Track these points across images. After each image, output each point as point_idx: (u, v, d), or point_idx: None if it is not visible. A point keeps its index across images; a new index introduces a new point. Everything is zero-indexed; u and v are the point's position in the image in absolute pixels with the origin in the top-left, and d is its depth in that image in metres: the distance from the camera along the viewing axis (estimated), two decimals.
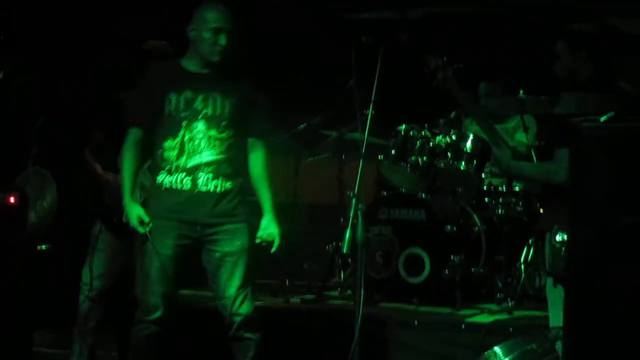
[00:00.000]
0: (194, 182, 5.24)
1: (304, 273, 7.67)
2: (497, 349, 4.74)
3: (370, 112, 5.01)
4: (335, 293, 7.37)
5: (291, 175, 7.73)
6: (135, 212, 5.25)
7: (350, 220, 4.81)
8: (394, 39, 5.04)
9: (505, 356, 4.69)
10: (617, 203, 3.57)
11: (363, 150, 4.98)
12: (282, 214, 7.71)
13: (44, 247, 7.33)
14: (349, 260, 7.11)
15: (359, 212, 4.83)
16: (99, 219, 6.00)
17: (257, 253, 5.51)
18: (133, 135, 5.35)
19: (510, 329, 6.05)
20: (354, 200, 4.84)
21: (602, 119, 3.75)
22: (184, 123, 5.23)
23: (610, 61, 5.02)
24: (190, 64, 5.32)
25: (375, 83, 4.90)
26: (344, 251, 4.85)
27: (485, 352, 4.81)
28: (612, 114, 3.74)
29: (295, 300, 7.16)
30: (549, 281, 5.02)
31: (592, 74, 4.92)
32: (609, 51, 5.04)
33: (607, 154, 3.62)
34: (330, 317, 6.54)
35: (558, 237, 4.66)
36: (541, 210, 6.80)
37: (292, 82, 8.48)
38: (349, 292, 7.14)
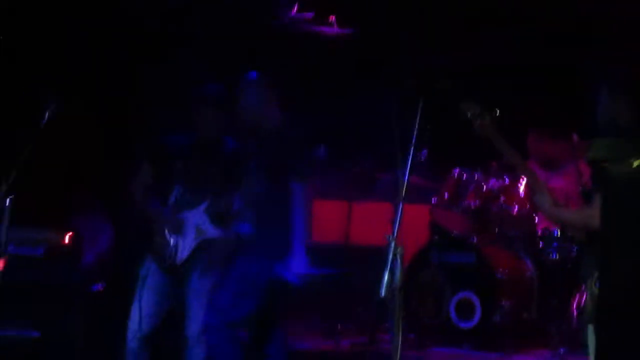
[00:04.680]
0: None
1: (356, 317, 7.67)
2: None
3: (410, 155, 4.99)
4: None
5: (344, 216, 7.76)
6: None
7: (389, 263, 4.77)
8: (436, 86, 5.04)
9: None
10: None
11: (403, 193, 4.94)
12: (334, 257, 7.83)
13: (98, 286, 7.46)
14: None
15: (397, 255, 4.80)
16: (148, 259, 6.01)
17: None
18: None
19: None
20: (392, 243, 4.81)
21: (635, 164, 3.72)
22: None
23: None
24: None
25: (416, 128, 4.87)
26: (382, 295, 4.80)
27: None
28: None
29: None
30: (590, 328, 4.95)
31: (632, 118, 4.86)
32: None
33: (635, 199, 3.61)
34: None
35: (597, 284, 4.59)
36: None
37: (350, 124, 8.59)
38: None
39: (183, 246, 5.86)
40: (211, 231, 5.86)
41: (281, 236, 5.52)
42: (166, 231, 5.87)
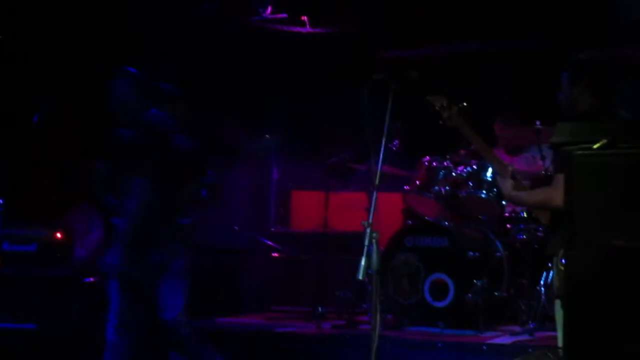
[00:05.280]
0: None
1: (336, 300, 7.94)
2: None
3: (382, 145, 5.22)
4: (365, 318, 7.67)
5: (322, 206, 8.00)
6: None
7: (365, 248, 5.04)
8: (404, 76, 5.29)
9: None
10: (608, 226, 3.74)
11: (377, 181, 5.20)
12: (313, 243, 8.09)
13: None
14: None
15: (373, 241, 5.08)
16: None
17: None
18: None
19: (530, 349, 6.28)
20: (368, 229, 5.09)
21: (595, 146, 3.96)
22: None
23: (611, 90, 5.22)
24: None
25: (387, 118, 5.12)
26: (359, 277, 5.06)
27: None
28: (604, 141, 3.96)
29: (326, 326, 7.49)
30: (557, 303, 5.23)
31: (591, 103, 5.14)
32: (610, 80, 5.24)
33: (598, 180, 3.82)
34: (359, 342, 6.83)
35: (563, 261, 4.87)
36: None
37: (325, 118, 8.86)
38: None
39: None
40: (185, 219, 6.04)
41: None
42: None
